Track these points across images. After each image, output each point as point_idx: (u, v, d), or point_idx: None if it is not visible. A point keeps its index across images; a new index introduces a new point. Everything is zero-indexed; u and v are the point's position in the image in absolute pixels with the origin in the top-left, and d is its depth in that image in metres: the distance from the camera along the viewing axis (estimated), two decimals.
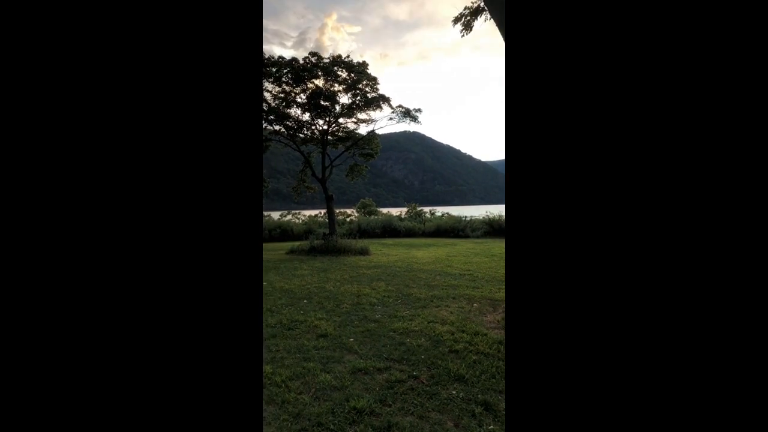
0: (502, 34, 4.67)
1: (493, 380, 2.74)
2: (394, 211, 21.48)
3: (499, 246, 11.36)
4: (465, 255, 9.52)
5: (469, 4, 5.69)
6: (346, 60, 11.65)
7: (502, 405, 2.40)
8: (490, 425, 2.21)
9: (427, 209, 22.15)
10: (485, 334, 3.65)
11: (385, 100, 12.18)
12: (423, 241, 13.52)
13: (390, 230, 15.28)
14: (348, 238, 11.52)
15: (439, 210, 22.46)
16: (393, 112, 12.47)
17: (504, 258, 8.88)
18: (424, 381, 2.73)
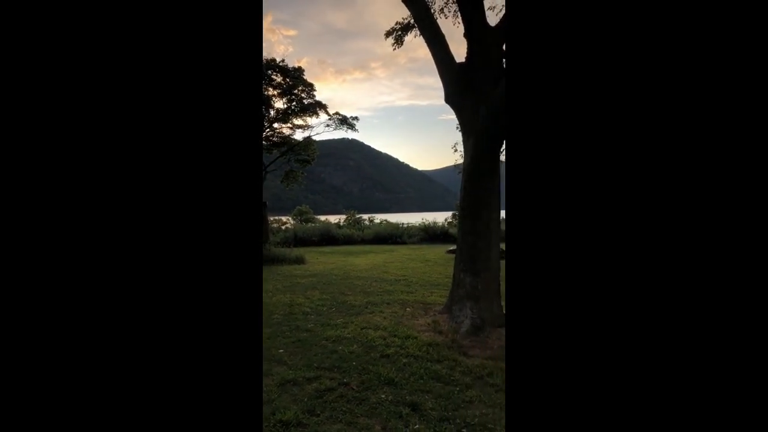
0: (430, 50, 4.89)
1: (421, 381, 2.83)
2: (333, 219, 21.32)
3: (433, 251, 11.79)
4: (401, 261, 9.74)
5: (401, 20, 5.93)
6: (281, 64, 11.40)
7: (429, 404, 2.49)
8: (416, 425, 2.27)
9: (366, 216, 22.31)
10: (416, 337, 3.76)
11: (322, 106, 12.12)
12: (361, 248, 13.56)
13: (328, 238, 15.10)
14: (283, 247, 11.17)
15: (378, 217, 22.73)
16: (330, 119, 12.44)
17: (437, 263, 9.25)
18: (354, 387, 2.74)
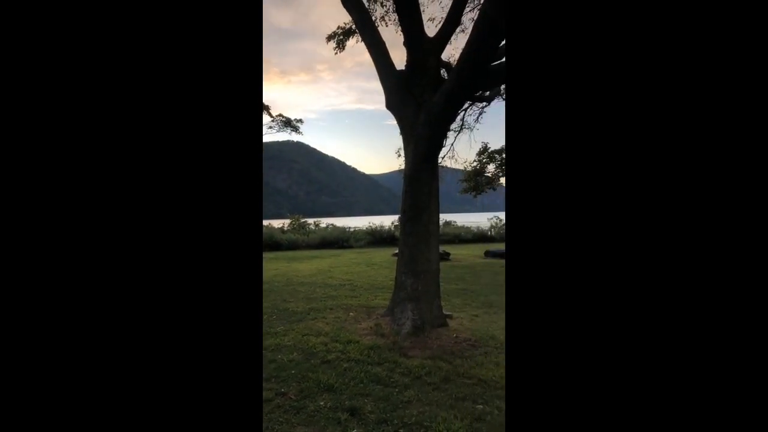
0: (371, 55, 4.95)
1: (361, 385, 2.83)
2: (277, 223, 20.64)
3: (379, 255, 11.90)
4: (347, 265, 9.69)
5: (342, 24, 5.95)
6: None
7: (368, 408, 2.50)
8: (354, 429, 2.27)
9: (311, 221, 21.91)
10: (358, 342, 3.76)
11: (264, 108, 11.74)
12: (306, 253, 13.29)
13: (271, 244, 14.60)
14: None
15: (325, 221, 22.44)
16: (273, 121, 12.09)
17: (383, 266, 9.34)
18: (293, 396, 2.67)
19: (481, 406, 2.55)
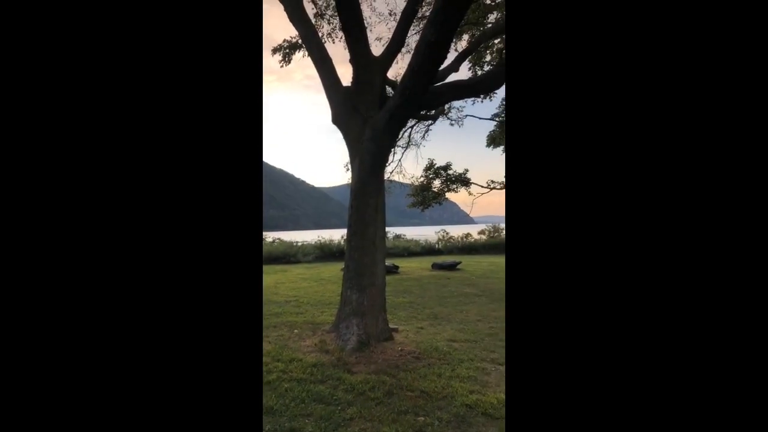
0: (317, 70, 4.97)
1: (302, 405, 2.74)
2: None
3: (328, 270, 11.71)
4: (294, 281, 9.42)
5: (289, 38, 5.94)
6: None
7: (309, 429, 2.43)
8: None
9: None
10: (301, 360, 3.65)
11: None
12: None
13: None
14: None
15: (272, 235, 21.70)
16: None
17: (331, 281, 9.20)
18: None
19: (422, 418, 2.58)
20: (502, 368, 3.52)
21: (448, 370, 3.42)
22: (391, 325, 4.67)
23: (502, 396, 2.87)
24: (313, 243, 16.90)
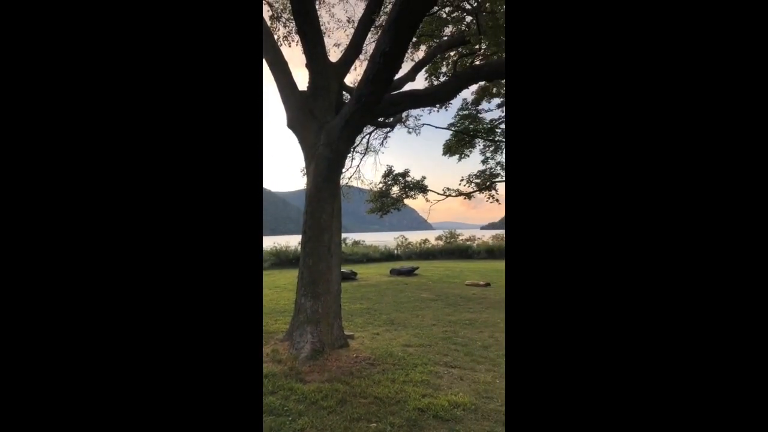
0: (272, 74, 4.88)
1: None
2: None
3: (284, 277, 11.42)
4: None
5: None
6: None
7: None
8: None
9: None
10: None
11: None
12: None
13: None
14: None
15: None
16: None
17: (286, 288, 8.98)
18: None
19: (374, 425, 2.58)
20: (455, 371, 3.61)
21: (402, 375, 3.45)
22: (347, 332, 4.63)
23: (454, 398, 2.94)
24: (268, 249, 16.43)
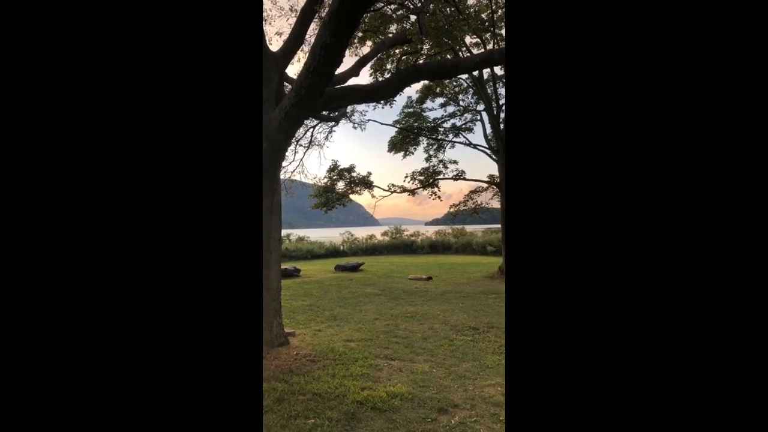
0: None
1: None
2: None
3: None
4: None
5: None
6: None
7: None
8: None
9: None
10: None
11: None
12: None
13: None
14: None
15: None
16: None
17: None
18: None
19: (312, 420, 2.56)
20: (395, 363, 3.69)
21: (342, 370, 3.45)
22: (287, 330, 4.53)
23: (392, 389, 3.01)
24: None
